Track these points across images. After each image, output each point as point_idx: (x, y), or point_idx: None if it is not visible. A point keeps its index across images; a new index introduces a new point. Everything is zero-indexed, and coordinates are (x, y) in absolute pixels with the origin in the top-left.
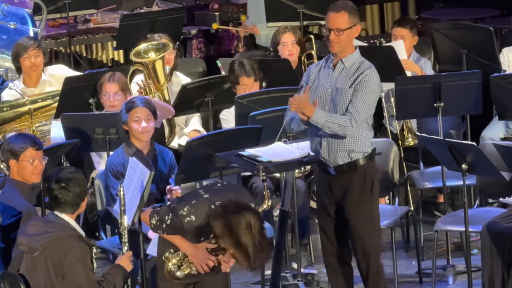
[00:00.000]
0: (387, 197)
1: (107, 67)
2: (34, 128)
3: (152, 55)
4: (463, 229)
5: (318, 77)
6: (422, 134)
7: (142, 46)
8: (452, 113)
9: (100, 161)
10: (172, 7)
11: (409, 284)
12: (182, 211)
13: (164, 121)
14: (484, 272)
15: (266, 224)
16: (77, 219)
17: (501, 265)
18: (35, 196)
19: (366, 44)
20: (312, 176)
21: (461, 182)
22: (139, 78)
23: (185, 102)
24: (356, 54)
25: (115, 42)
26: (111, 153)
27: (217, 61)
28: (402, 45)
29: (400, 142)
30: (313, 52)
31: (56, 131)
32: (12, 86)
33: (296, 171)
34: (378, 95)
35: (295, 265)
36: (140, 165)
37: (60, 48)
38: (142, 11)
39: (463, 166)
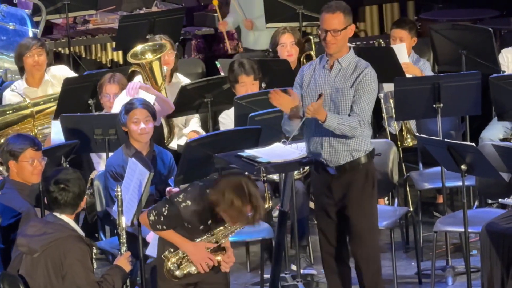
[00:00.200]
0: (386, 198)
1: (106, 68)
2: (36, 131)
3: (149, 56)
4: (463, 230)
5: (313, 78)
6: (421, 135)
7: (139, 47)
8: (451, 114)
9: (100, 162)
10: (172, 8)
11: (409, 285)
12: (177, 198)
13: (163, 122)
14: (483, 273)
15: (265, 225)
16: (76, 220)
17: (500, 266)
18: (35, 197)
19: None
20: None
21: (460, 183)
22: (138, 79)
23: (184, 103)
24: (351, 54)
25: (114, 43)
26: (110, 154)
27: (216, 62)
28: (404, 48)
29: (399, 143)
30: (312, 53)
31: (55, 132)
32: (14, 88)
33: (295, 172)
34: (377, 92)
35: (294, 267)
36: (139, 166)
37: (60, 49)
38: (141, 12)
39: (462, 167)
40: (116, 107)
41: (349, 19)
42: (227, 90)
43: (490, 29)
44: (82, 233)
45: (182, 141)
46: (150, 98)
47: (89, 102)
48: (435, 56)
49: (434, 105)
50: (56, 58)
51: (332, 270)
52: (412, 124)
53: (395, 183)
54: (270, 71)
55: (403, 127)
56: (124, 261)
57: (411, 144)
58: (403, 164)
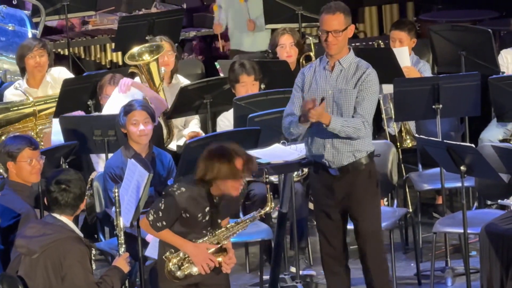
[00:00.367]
0: (385, 199)
1: (105, 69)
2: (37, 129)
3: (146, 57)
4: (462, 231)
5: (314, 80)
6: (421, 136)
7: (136, 49)
8: (451, 115)
9: (99, 161)
10: (171, 9)
11: (408, 286)
12: (172, 188)
13: (163, 123)
14: (482, 274)
15: (265, 226)
16: (76, 221)
17: (499, 267)
18: (34, 198)
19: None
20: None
21: (459, 184)
22: (137, 80)
23: (184, 104)
24: (352, 54)
25: (113, 44)
26: (110, 155)
27: (216, 63)
28: (406, 52)
29: (398, 144)
30: (312, 54)
31: (55, 132)
32: (17, 86)
33: (294, 174)
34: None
35: (293, 269)
36: (138, 167)
37: (59, 50)
38: (140, 13)
39: (462, 168)
40: (109, 105)
41: (349, 20)
42: (227, 91)
43: (489, 30)
44: (81, 234)
45: (182, 142)
46: (139, 95)
47: (89, 103)
48: (435, 57)
49: (434, 106)
50: (56, 59)
51: (332, 271)
52: (411, 125)
53: (395, 184)
54: (269, 72)
55: (403, 128)
56: (122, 262)
57: (410, 145)
58: (402, 165)
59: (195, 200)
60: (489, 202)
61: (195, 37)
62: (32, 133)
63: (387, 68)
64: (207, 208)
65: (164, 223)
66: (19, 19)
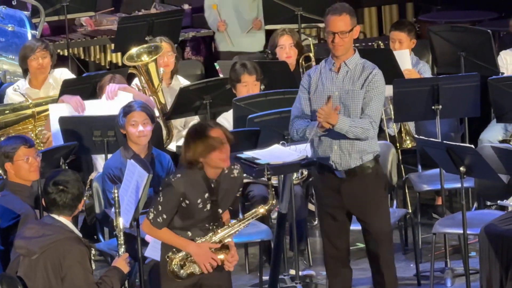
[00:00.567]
0: None
1: (105, 69)
2: (37, 131)
3: (145, 58)
4: (461, 231)
5: (321, 81)
6: (420, 137)
7: (134, 50)
8: (450, 115)
9: (98, 158)
10: (170, 9)
11: (407, 286)
12: (167, 178)
13: (162, 124)
14: (482, 275)
15: (264, 227)
16: (75, 222)
17: (499, 267)
18: (34, 198)
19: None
20: (310, 179)
21: (459, 185)
22: (136, 82)
23: (183, 105)
24: (357, 55)
25: (113, 45)
26: (109, 155)
27: (215, 64)
28: (407, 54)
29: (398, 144)
30: (311, 55)
31: (54, 117)
32: (17, 88)
33: (294, 177)
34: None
35: (293, 272)
36: (138, 168)
37: (58, 50)
38: (140, 13)
39: (461, 168)
40: (94, 106)
41: (354, 21)
42: (226, 91)
43: (489, 31)
44: (80, 234)
45: (181, 143)
46: (129, 97)
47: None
48: (434, 58)
49: (433, 107)
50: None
51: (335, 273)
52: (411, 125)
53: (394, 185)
54: (269, 73)
55: (402, 129)
56: (122, 262)
57: (410, 146)
58: (402, 166)
59: (193, 184)
60: (488, 203)
61: (194, 37)
62: (32, 134)
63: (386, 69)
64: (206, 195)
65: (165, 216)
66: (19, 19)
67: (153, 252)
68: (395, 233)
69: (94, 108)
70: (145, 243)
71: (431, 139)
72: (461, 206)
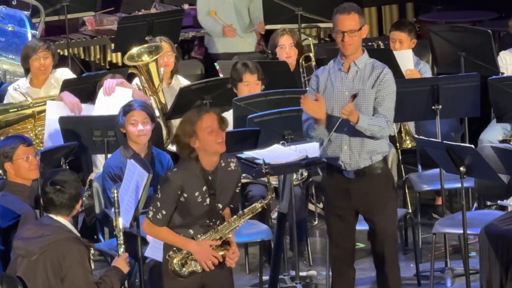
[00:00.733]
0: None
1: (105, 69)
2: (37, 131)
3: (145, 58)
4: (461, 231)
5: (330, 82)
6: (420, 137)
7: (135, 49)
8: (450, 115)
9: (97, 156)
10: (170, 9)
11: (407, 286)
12: (165, 174)
13: (162, 124)
14: (482, 275)
15: (264, 227)
16: (75, 222)
17: (499, 267)
18: (34, 198)
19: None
20: (310, 179)
21: (459, 185)
22: (136, 82)
23: (184, 105)
24: (366, 55)
25: (113, 45)
26: (109, 155)
27: (215, 63)
28: (410, 55)
29: (398, 144)
30: (311, 55)
31: (50, 113)
32: (17, 87)
33: (294, 178)
34: None
35: (293, 273)
36: (138, 168)
37: (58, 50)
38: (140, 13)
39: (461, 168)
40: (97, 108)
41: (363, 20)
42: (226, 91)
43: (489, 31)
44: (78, 234)
45: None
46: (128, 93)
47: (88, 103)
48: (434, 58)
49: (433, 107)
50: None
51: (340, 273)
52: (411, 125)
53: (394, 185)
54: (269, 73)
55: (402, 129)
56: (122, 262)
57: (410, 146)
58: (402, 166)
59: (190, 176)
60: (488, 203)
61: (194, 37)
62: (31, 134)
63: None
64: (204, 187)
65: (164, 212)
66: (19, 19)
67: (153, 252)
68: None
69: (93, 111)
70: (145, 243)
71: (431, 139)
72: (461, 206)
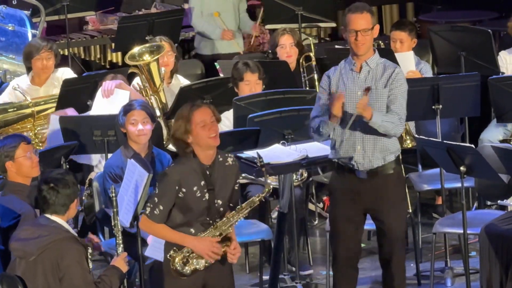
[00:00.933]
0: None
1: (105, 69)
2: (36, 130)
3: (146, 58)
4: (462, 231)
5: (342, 81)
6: (421, 137)
7: (136, 49)
8: (451, 115)
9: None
10: (171, 9)
11: (408, 286)
12: (162, 171)
13: (162, 123)
14: (482, 275)
15: (264, 226)
16: (76, 221)
17: (499, 267)
18: (34, 197)
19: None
20: (311, 179)
21: (459, 185)
22: (136, 81)
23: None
24: (377, 55)
25: (113, 44)
26: (109, 155)
27: (216, 63)
28: (412, 56)
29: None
30: (312, 54)
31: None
32: (16, 87)
33: (294, 179)
34: None
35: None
36: (138, 167)
37: (58, 50)
38: (140, 13)
39: (462, 168)
40: (95, 109)
41: (374, 19)
42: (227, 91)
43: (489, 30)
44: (75, 233)
45: None
46: (126, 95)
47: (88, 103)
48: (435, 58)
49: (433, 107)
50: None
51: (345, 274)
52: (411, 125)
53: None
54: (269, 72)
55: None
56: (120, 261)
57: (410, 145)
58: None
59: (187, 171)
60: (488, 203)
61: (194, 37)
62: (31, 134)
63: None
64: (202, 182)
65: (161, 207)
66: (19, 19)
67: (153, 251)
68: None
69: (91, 112)
70: (145, 243)
71: (431, 138)
72: (461, 205)
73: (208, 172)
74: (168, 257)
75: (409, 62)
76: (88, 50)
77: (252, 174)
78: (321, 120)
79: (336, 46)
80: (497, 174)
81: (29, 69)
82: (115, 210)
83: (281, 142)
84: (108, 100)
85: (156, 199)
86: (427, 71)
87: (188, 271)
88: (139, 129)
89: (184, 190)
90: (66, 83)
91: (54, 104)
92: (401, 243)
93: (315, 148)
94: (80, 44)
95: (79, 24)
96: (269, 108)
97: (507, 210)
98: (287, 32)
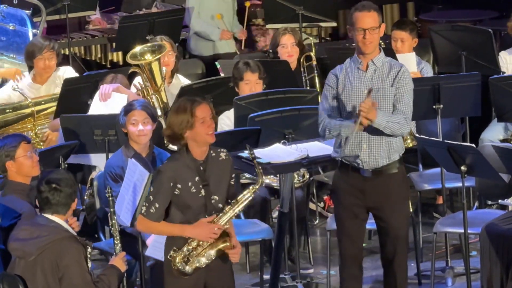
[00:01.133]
0: None
1: (106, 69)
2: (36, 130)
3: (148, 57)
4: (462, 231)
5: (348, 80)
6: (421, 136)
7: (138, 48)
8: (451, 115)
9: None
10: (171, 8)
11: (408, 286)
12: (156, 169)
13: (163, 123)
14: (483, 274)
15: (265, 226)
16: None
17: (500, 267)
18: (34, 197)
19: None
20: (312, 178)
21: (460, 184)
22: (137, 80)
23: None
24: (383, 54)
25: (114, 44)
26: (110, 155)
27: (216, 63)
28: (413, 58)
29: None
30: (312, 54)
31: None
32: (16, 87)
33: (295, 180)
34: None
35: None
36: (139, 167)
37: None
38: (141, 12)
39: (462, 168)
40: (92, 112)
41: (380, 18)
42: (227, 91)
43: (490, 30)
44: (74, 233)
45: None
46: (123, 98)
47: (89, 102)
48: (435, 57)
49: (434, 106)
50: None
51: (351, 274)
52: (412, 125)
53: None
54: (270, 72)
55: None
56: (119, 261)
57: (411, 145)
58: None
59: (181, 167)
60: (489, 202)
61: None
62: (31, 133)
63: None
64: (197, 178)
65: (157, 205)
66: (20, 18)
67: (154, 251)
68: None
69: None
70: (145, 243)
71: (432, 138)
72: (462, 205)
73: (202, 168)
74: (168, 257)
75: (410, 63)
76: (89, 49)
77: (252, 174)
78: (342, 124)
79: (336, 46)
80: (498, 174)
81: (30, 67)
82: (112, 210)
83: (281, 141)
84: (105, 104)
85: (151, 197)
86: (428, 72)
87: (190, 270)
88: (140, 129)
89: (179, 186)
90: (67, 82)
91: (55, 104)
92: (404, 242)
93: (316, 148)
94: (81, 43)
95: (79, 23)
96: (270, 108)
97: (508, 210)
98: (288, 32)
